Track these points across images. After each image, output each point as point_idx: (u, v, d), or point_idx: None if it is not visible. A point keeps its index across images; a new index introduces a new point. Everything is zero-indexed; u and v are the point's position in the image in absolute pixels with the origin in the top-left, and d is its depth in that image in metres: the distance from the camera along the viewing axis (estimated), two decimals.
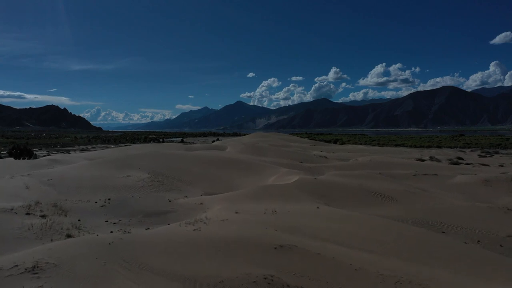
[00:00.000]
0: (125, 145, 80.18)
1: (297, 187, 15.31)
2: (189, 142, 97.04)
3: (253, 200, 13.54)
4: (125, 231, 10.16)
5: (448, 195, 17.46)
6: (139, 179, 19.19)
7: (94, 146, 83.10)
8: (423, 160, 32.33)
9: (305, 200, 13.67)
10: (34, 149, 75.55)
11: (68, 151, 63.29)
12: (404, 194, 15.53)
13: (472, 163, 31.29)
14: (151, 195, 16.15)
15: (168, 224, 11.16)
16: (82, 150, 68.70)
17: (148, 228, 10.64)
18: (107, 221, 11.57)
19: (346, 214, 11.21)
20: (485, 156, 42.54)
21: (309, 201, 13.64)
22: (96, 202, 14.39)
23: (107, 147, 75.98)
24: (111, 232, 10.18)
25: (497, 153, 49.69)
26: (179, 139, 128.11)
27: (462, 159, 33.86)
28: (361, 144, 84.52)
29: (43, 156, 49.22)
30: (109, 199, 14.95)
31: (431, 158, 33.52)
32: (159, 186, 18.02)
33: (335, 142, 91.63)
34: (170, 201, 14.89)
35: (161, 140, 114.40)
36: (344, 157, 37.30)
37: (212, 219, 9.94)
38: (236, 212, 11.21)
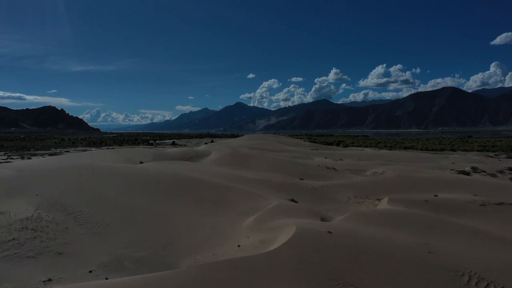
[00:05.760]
0: (108, 148, 71.75)
1: (290, 268, 6.68)
2: (180, 145, 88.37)
3: None
4: None
5: None
6: (9, 222, 10.62)
7: (68, 150, 74.23)
8: (467, 174, 23.74)
9: None
10: None
11: (29, 156, 54.75)
12: None
13: None
14: None
15: None
16: (52, 154, 60.22)
17: None
18: None
19: None
20: None
21: None
22: None
23: (85, 150, 67.55)
24: None
25: None
26: (171, 141, 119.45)
27: None
28: (366, 146, 76.52)
29: None
30: None
31: (475, 170, 25.02)
32: (29, 241, 9.40)
33: (337, 144, 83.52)
34: None
35: (151, 142, 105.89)
36: (357, 167, 28.69)
37: None
38: None
